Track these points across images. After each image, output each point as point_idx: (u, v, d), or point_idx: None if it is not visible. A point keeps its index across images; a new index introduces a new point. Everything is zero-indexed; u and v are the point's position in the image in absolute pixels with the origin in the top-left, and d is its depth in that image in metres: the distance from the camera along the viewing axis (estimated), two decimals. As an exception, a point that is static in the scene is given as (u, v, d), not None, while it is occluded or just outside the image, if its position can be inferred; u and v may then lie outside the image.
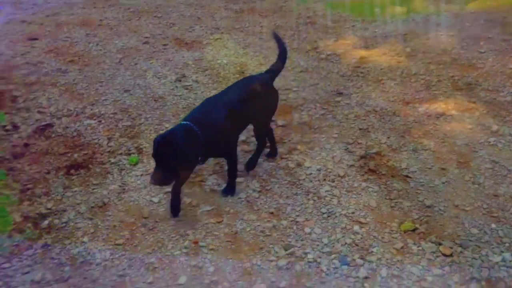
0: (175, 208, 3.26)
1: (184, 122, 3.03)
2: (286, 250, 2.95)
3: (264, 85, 3.54)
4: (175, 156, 2.85)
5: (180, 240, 3.04)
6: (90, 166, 3.76)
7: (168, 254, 2.94)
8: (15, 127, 4.18)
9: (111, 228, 3.14)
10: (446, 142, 3.97)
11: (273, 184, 3.53)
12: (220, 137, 3.15)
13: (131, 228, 3.14)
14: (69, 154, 3.86)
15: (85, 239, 3.05)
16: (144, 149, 3.93)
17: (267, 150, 3.81)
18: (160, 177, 2.88)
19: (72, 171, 3.69)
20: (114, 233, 3.11)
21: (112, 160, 3.82)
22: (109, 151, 3.91)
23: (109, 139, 4.05)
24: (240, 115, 3.30)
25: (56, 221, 3.21)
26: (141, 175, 3.65)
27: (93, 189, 3.52)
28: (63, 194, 3.46)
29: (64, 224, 3.18)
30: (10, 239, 3.03)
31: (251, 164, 3.67)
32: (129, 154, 3.88)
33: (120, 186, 3.54)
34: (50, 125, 4.22)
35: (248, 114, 3.41)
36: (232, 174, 3.45)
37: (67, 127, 4.20)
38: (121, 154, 3.89)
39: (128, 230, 3.13)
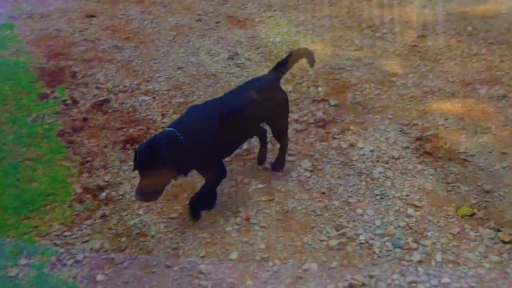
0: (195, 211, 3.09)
1: (168, 129, 2.77)
2: (337, 230, 2.93)
3: (268, 87, 3.21)
4: (162, 164, 2.61)
5: (232, 217, 3.07)
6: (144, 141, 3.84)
7: (219, 229, 2.98)
8: (75, 101, 4.32)
9: (165, 202, 3.21)
10: (508, 125, 3.80)
11: (325, 164, 3.50)
12: (207, 150, 2.83)
13: (184, 203, 3.20)
14: (125, 129, 3.96)
15: (141, 211, 3.14)
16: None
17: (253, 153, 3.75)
18: (148, 190, 2.64)
19: (128, 145, 3.78)
20: (168, 207, 3.18)
21: (166, 135, 3.89)
22: (162, 127, 3.98)
23: (163, 115, 4.12)
24: (237, 125, 2.98)
25: (113, 193, 3.31)
26: (194, 151, 3.70)
27: (148, 163, 3.60)
28: (120, 168, 3.56)
29: (120, 197, 3.28)
30: (71, 208, 3.16)
31: (279, 164, 3.46)
32: (183, 131, 3.94)
33: (173, 162, 3.61)
34: (107, 101, 4.34)
35: (250, 122, 3.14)
36: (202, 193, 3.07)
37: (123, 103, 4.30)
38: (174, 130, 3.95)
39: (181, 204, 3.19)
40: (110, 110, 4.21)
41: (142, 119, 4.09)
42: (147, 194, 2.65)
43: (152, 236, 2.93)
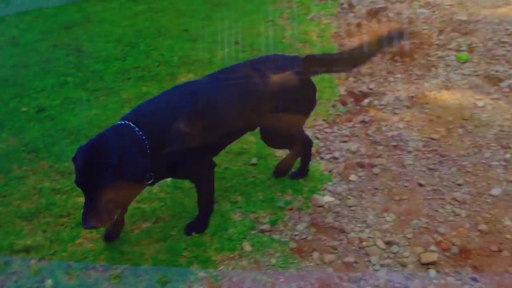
0: (110, 233, 2.38)
1: (121, 122, 2.02)
2: None
3: (289, 73, 2.28)
4: (113, 175, 1.86)
5: (500, 152, 2.79)
6: (416, 56, 3.68)
7: (484, 161, 2.75)
8: (351, 6, 4.35)
9: (427, 121, 3.09)
10: None
11: None
12: (179, 150, 2.09)
13: (448, 127, 3.02)
14: (397, 40, 3.85)
15: (401, 125, 3.08)
16: (476, 49, 3.62)
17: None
18: (97, 214, 1.88)
19: (397, 57, 3.68)
20: (430, 127, 3.04)
21: (440, 53, 3.65)
22: (437, 44, 3.74)
23: (440, 31, 3.85)
24: (221, 118, 2.21)
25: (376, 101, 3.31)
26: (469, 74, 3.41)
27: (415, 79, 3.47)
28: (385, 78, 3.51)
29: (382, 107, 3.26)
30: (334, 108, 3.29)
31: (281, 171, 2.74)
32: (459, 51, 3.64)
33: (443, 82, 3.40)
34: (383, 9, 4.24)
35: (244, 116, 2.28)
36: (203, 205, 2.43)
37: (399, 13, 4.15)
38: (450, 49, 3.68)
39: (445, 127, 3.02)
40: (384, 19, 4.12)
41: (417, 32, 3.90)
42: (97, 219, 1.89)
43: (409, 152, 2.87)
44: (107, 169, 1.84)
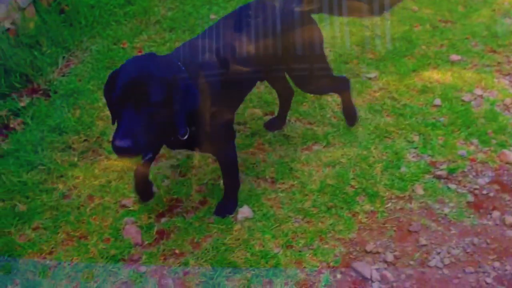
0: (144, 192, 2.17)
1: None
2: None
3: (290, 16, 2.15)
4: (165, 92, 1.64)
5: None
6: None
7: None
8: None
9: None
10: None
11: None
12: (216, 97, 1.92)
13: None
14: None
15: None
16: None
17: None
18: (136, 136, 1.60)
19: None
20: None
21: None
22: None
23: None
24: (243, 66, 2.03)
25: None
26: None
27: None
28: None
29: None
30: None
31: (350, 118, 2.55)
32: None
33: None
34: None
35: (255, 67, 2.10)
36: (229, 178, 2.20)
37: None
38: None
39: None
40: None
41: None
42: (135, 141, 1.59)
43: None
44: (160, 83, 1.63)
